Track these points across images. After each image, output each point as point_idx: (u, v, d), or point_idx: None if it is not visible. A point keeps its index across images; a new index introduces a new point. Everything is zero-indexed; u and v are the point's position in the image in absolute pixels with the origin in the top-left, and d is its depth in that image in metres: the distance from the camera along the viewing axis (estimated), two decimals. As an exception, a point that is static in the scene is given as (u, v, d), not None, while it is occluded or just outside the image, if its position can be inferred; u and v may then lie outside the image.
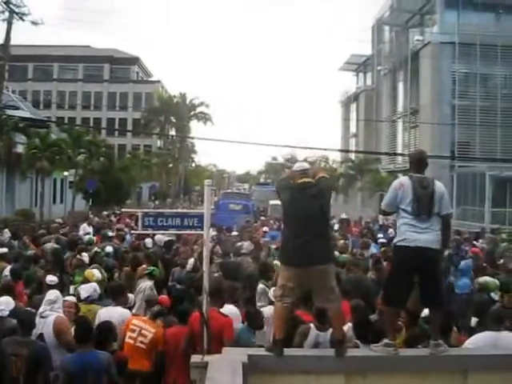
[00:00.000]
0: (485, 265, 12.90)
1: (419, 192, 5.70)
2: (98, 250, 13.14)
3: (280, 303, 5.60)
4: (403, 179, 5.94)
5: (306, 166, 6.09)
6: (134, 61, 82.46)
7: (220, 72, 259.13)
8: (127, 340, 7.17)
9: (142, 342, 7.10)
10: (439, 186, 5.87)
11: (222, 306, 7.21)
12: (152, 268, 10.23)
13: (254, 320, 7.30)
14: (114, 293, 8.31)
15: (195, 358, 5.56)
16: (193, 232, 7.85)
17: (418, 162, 6.05)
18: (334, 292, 5.68)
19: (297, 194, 5.69)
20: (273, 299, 6.51)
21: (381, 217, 26.92)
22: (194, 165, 79.48)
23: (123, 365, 6.90)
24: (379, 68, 56.24)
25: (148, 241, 15.10)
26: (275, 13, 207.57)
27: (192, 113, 66.65)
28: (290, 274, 5.53)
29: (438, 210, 5.77)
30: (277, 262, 11.48)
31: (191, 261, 11.36)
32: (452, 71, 42.57)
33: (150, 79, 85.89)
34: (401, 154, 44.07)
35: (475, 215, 38.21)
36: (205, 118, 66.09)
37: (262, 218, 35.42)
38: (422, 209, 5.68)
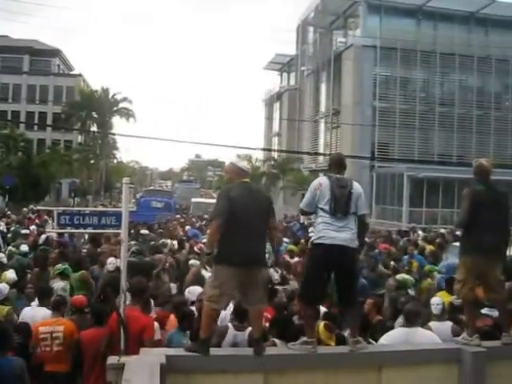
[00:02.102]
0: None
1: (337, 191, 5.77)
2: (13, 249, 12.71)
3: (214, 304, 5.52)
4: (322, 179, 5.99)
5: (248, 167, 6.16)
6: (56, 53, 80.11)
7: (144, 68, 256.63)
8: (44, 349, 6.89)
9: (58, 345, 6.88)
10: (357, 186, 5.95)
11: (144, 306, 7.09)
12: (63, 267, 9.92)
13: (185, 321, 7.23)
14: (40, 294, 8.09)
15: (112, 360, 5.43)
16: (111, 231, 7.67)
17: (338, 164, 6.11)
18: (263, 292, 5.75)
19: (246, 193, 5.67)
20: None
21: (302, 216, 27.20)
22: (115, 161, 78.07)
23: (40, 367, 6.73)
24: (303, 68, 56.84)
25: (43, 237, 14.69)
26: (202, 10, 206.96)
27: (114, 108, 65.38)
28: (229, 274, 5.46)
29: (354, 210, 5.85)
30: (195, 261, 11.46)
31: (111, 259, 11.04)
32: (373, 74, 43.53)
33: (72, 72, 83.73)
34: (322, 154, 44.72)
35: (393, 214, 39.22)
36: (127, 113, 64.91)
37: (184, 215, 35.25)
38: (339, 208, 5.74)
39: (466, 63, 44.54)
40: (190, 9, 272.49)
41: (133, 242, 13.73)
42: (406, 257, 15.01)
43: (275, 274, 10.26)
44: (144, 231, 17.18)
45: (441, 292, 10.10)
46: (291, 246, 15.55)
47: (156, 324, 6.96)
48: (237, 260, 5.41)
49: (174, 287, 10.64)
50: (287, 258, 13.75)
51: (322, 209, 5.80)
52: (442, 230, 24.96)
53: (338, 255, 5.67)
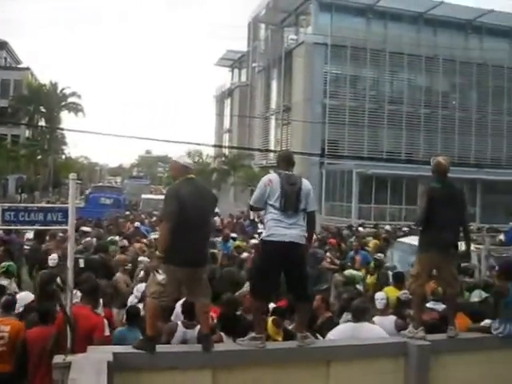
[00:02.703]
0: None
1: (287, 188, 5.78)
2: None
3: (157, 300, 5.48)
4: (272, 176, 6.00)
5: (191, 163, 6.16)
6: (2, 45, 78.26)
7: (94, 63, 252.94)
8: None
9: (2, 345, 6.72)
10: (306, 183, 5.98)
11: (95, 305, 7.00)
12: (7, 264, 9.69)
13: (131, 319, 7.16)
14: None
15: (58, 359, 5.33)
16: (57, 227, 7.53)
17: (286, 161, 6.13)
18: (208, 287, 5.75)
19: (194, 192, 5.63)
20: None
21: (252, 212, 27.25)
22: (64, 157, 76.71)
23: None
24: (254, 65, 56.89)
25: None
26: (153, 5, 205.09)
27: (63, 103, 64.26)
28: (177, 272, 5.43)
29: (304, 207, 5.89)
30: (144, 259, 11.38)
31: (53, 256, 10.80)
32: (324, 71, 43.75)
33: (19, 66, 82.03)
34: (273, 151, 44.83)
35: (343, 211, 39.63)
36: (76, 108, 63.87)
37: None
38: (288, 205, 5.76)
39: (414, 62, 45.26)
40: (141, 4, 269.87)
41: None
42: (351, 253, 15.20)
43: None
44: (86, 228, 16.84)
45: (388, 287, 10.27)
46: (238, 242, 15.60)
47: (105, 322, 6.89)
48: (182, 260, 5.41)
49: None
50: (235, 253, 13.82)
51: (272, 205, 5.82)
52: (387, 227, 25.45)
53: (289, 252, 5.71)
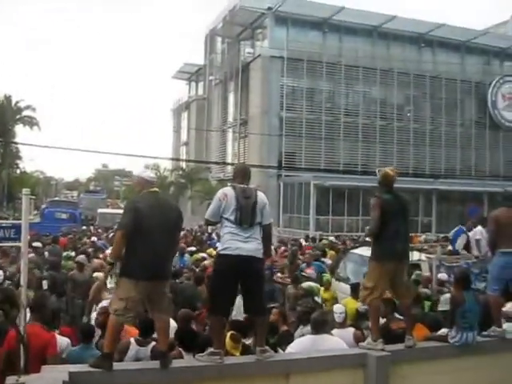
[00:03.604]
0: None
1: (242, 202, 5.76)
2: None
3: (122, 318, 5.38)
4: (227, 189, 5.95)
5: (154, 176, 6.16)
6: (-47, 59, 77.09)
7: (49, 76, 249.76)
8: None
9: None
10: (261, 196, 5.97)
11: (44, 321, 6.83)
12: None
13: (88, 336, 7.03)
14: None
15: (10, 380, 5.15)
16: (10, 244, 7.33)
17: (242, 174, 6.11)
18: (170, 303, 5.77)
19: (153, 205, 5.57)
20: None
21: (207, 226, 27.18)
22: (18, 171, 75.39)
23: None
24: (211, 78, 56.92)
25: None
26: (110, 18, 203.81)
27: (17, 116, 63.18)
28: (134, 287, 5.35)
29: (259, 220, 5.87)
30: (99, 274, 11.22)
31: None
32: (280, 84, 43.95)
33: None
34: (230, 164, 44.85)
35: (301, 222, 39.78)
36: (31, 122, 62.82)
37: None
38: (244, 218, 5.74)
39: (369, 75, 45.88)
40: (98, 16, 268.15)
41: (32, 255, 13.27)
42: (303, 265, 15.19)
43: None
44: (37, 244, 16.49)
45: (347, 299, 10.32)
46: (196, 256, 15.53)
47: (60, 339, 6.74)
48: (141, 274, 5.34)
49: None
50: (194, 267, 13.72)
51: (227, 219, 5.79)
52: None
53: (245, 266, 5.67)
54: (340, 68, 45.05)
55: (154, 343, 6.47)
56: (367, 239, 17.08)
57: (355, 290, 10.44)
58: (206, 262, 13.60)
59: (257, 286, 5.86)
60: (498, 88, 49.51)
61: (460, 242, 15.74)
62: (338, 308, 8.25)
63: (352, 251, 15.92)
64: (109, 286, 9.66)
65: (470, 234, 15.28)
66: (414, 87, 47.40)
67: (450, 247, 16.16)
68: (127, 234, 5.40)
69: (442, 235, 23.53)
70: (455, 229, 16.44)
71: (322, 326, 6.99)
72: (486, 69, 51.04)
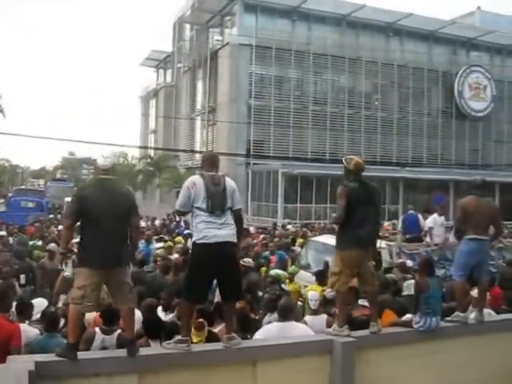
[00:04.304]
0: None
1: (212, 189, 5.77)
2: None
3: (80, 306, 5.36)
4: (195, 178, 5.94)
5: (108, 163, 6.04)
6: None
7: (14, 63, 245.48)
8: None
9: None
10: (230, 182, 5.99)
11: (7, 312, 6.77)
12: None
13: (51, 324, 6.96)
14: None
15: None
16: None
17: (210, 162, 6.11)
18: (131, 292, 5.64)
19: (101, 191, 5.54)
20: None
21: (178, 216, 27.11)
22: (-17, 160, 74.19)
23: None
24: (179, 65, 56.58)
25: None
26: (79, 3, 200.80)
27: (-20, 103, 62.13)
28: (90, 275, 5.33)
29: (230, 205, 5.89)
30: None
31: None
32: (249, 72, 43.80)
33: None
34: (198, 152, 44.71)
35: (269, 211, 39.89)
36: (-5, 109, 61.83)
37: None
38: (216, 205, 5.75)
39: (338, 64, 45.96)
40: (65, 2, 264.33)
41: None
42: (266, 252, 15.25)
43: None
44: (2, 233, 16.29)
45: (312, 285, 10.39)
46: (169, 243, 15.48)
47: (27, 330, 6.70)
48: (94, 261, 5.34)
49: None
50: (166, 255, 13.66)
51: (198, 208, 5.78)
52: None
53: (223, 252, 5.69)
54: (308, 56, 45.04)
55: (119, 331, 6.46)
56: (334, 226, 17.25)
57: (320, 276, 10.59)
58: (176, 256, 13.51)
59: (234, 271, 5.89)
60: (465, 78, 50.10)
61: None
62: (312, 295, 8.31)
63: (313, 239, 15.98)
64: (65, 274, 9.65)
65: (426, 221, 15.47)
66: (382, 76, 47.65)
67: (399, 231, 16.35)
68: (73, 224, 5.49)
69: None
70: (408, 213, 16.64)
71: (289, 312, 7.03)
72: (453, 59, 51.58)
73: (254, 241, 18.43)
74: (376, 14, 46.58)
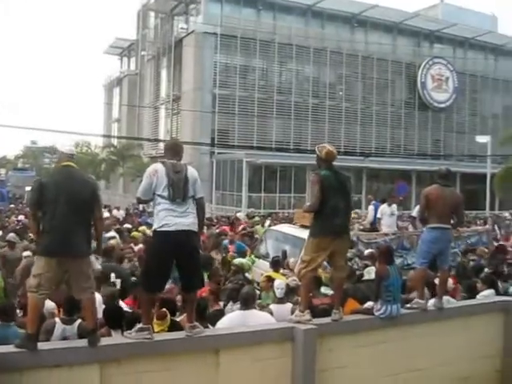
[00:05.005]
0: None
1: (173, 177, 5.73)
2: None
3: (36, 294, 5.26)
4: (157, 165, 5.90)
5: (74, 150, 5.97)
6: None
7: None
8: None
9: None
10: (192, 170, 5.96)
11: None
12: None
13: (7, 314, 6.85)
14: None
15: None
16: None
17: (172, 150, 6.07)
18: (89, 281, 5.52)
19: (63, 179, 5.48)
20: None
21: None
22: None
23: None
24: (143, 53, 56.01)
25: None
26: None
27: None
28: (48, 264, 5.25)
29: (192, 194, 5.86)
30: (28, 253, 11.01)
31: None
32: (214, 61, 43.65)
33: None
34: (162, 141, 44.41)
35: (233, 200, 39.93)
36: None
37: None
38: (177, 193, 5.72)
39: (302, 54, 46.06)
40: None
41: None
42: (225, 241, 15.22)
43: (96, 263, 10.19)
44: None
45: (269, 272, 10.43)
46: (134, 233, 15.39)
47: None
48: (52, 250, 5.27)
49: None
50: (132, 245, 13.59)
51: (160, 195, 5.74)
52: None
53: (184, 240, 5.67)
54: (274, 46, 45.05)
55: (80, 321, 6.40)
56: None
57: (275, 264, 10.69)
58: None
59: (193, 261, 5.86)
60: (428, 69, 50.67)
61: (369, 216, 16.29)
62: (279, 284, 8.31)
63: (272, 228, 16.02)
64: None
65: (378, 211, 15.63)
66: (347, 67, 47.87)
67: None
68: (35, 213, 5.43)
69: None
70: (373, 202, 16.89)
71: (251, 301, 7.06)
72: (417, 50, 52.13)
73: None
74: (341, 5, 46.88)
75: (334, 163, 6.79)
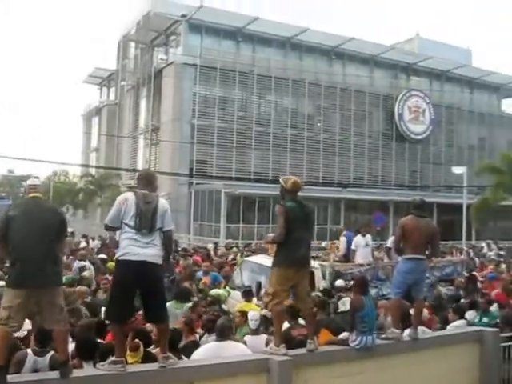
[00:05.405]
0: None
1: (142, 207, 5.72)
2: None
3: (6, 327, 5.16)
4: (127, 194, 5.91)
5: (38, 181, 5.89)
6: None
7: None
8: None
9: None
10: (163, 202, 5.93)
11: None
12: None
13: None
14: None
15: None
16: None
17: (145, 180, 6.08)
18: (62, 313, 5.45)
19: (27, 211, 5.44)
20: None
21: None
22: None
23: None
24: (123, 83, 56.13)
25: None
26: (19, 18, 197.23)
27: None
28: (16, 296, 5.18)
29: (160, 225, 5.83)
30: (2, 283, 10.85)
31: None
32: (193, 92, 43.82)
33: None
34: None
35: (212, 230, 39.80)
36: None
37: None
38: (144, 223, 5.70)
39: (281, 85, 46.39)
40: (6, 12, 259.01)
41: None
42: (199, 273, 15.04)
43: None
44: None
45: (242, 303, 10.40)
46: (110, 263, 15.23)
47: None
48: (19, 282, 5.22)
49: None
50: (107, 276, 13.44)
51: (127, 224, 5.73)
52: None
53: (145, 271, 5.62)
54: (253, 77, 45.35)
55: (52, 353, 6.30)
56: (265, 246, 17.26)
57: (247, 294, 10.70)
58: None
59: (157, 292, 5.81)
60: (405, 101, 51.28)
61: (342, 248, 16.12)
62: (253, 315, 8.26)
63: (247, 259, 15.97)
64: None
65: (352, 242, 15.42)
66: (325, 98, 48.28)
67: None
68: (4, 246, 5.39)
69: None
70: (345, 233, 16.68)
71: (227, 332, 7.01)
72: (394, 82, 52.83)
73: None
74: (319, 38, 47.52)
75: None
